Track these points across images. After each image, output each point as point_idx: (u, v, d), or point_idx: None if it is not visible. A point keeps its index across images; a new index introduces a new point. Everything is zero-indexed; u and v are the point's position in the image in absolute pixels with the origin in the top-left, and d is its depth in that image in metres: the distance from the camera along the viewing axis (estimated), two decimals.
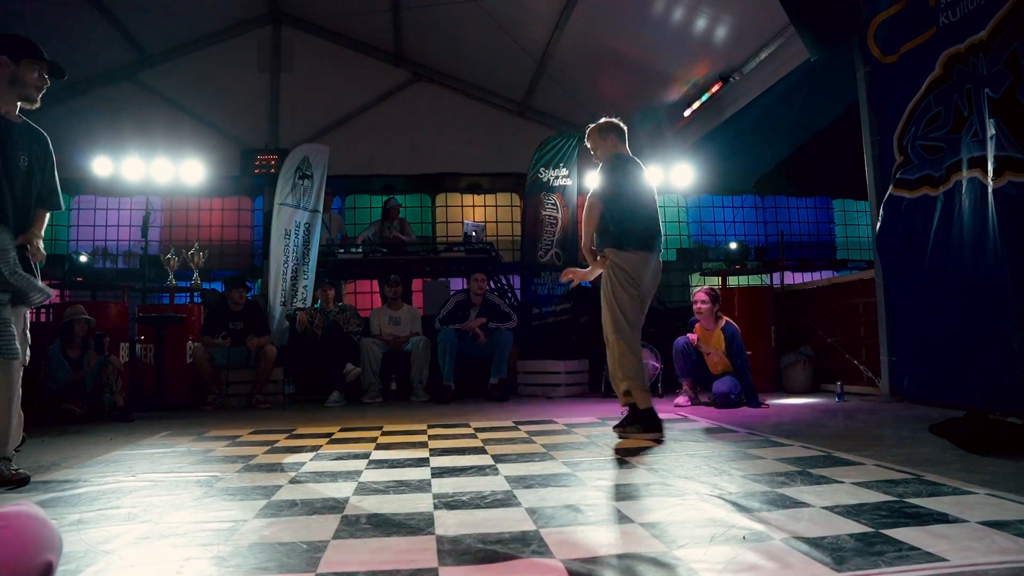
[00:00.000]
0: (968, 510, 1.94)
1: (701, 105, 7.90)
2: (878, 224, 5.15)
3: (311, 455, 3.30)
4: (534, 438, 3.71)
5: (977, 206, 4.13)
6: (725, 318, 5.45)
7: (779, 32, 6.25)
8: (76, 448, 3.51)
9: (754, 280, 8.76)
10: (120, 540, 1.87)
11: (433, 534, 1.86)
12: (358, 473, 2.78)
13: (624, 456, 3.09)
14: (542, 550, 1.70)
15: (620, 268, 3.66)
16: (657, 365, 6.15)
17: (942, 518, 1.88)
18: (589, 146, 4.01)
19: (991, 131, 3.94)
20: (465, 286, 6.93)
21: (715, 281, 7.84)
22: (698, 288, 5.58)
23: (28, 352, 2.98)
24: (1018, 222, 3.84)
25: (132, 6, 7.52)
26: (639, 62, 7.78)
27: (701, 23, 6.72)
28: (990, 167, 3.97)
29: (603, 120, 3.99)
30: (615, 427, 3.74)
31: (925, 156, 4.64)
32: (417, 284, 8.26)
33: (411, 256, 7.81)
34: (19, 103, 2.98)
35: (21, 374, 2.86)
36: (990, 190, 3.99)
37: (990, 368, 4.10)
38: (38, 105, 3.01)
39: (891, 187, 4.98)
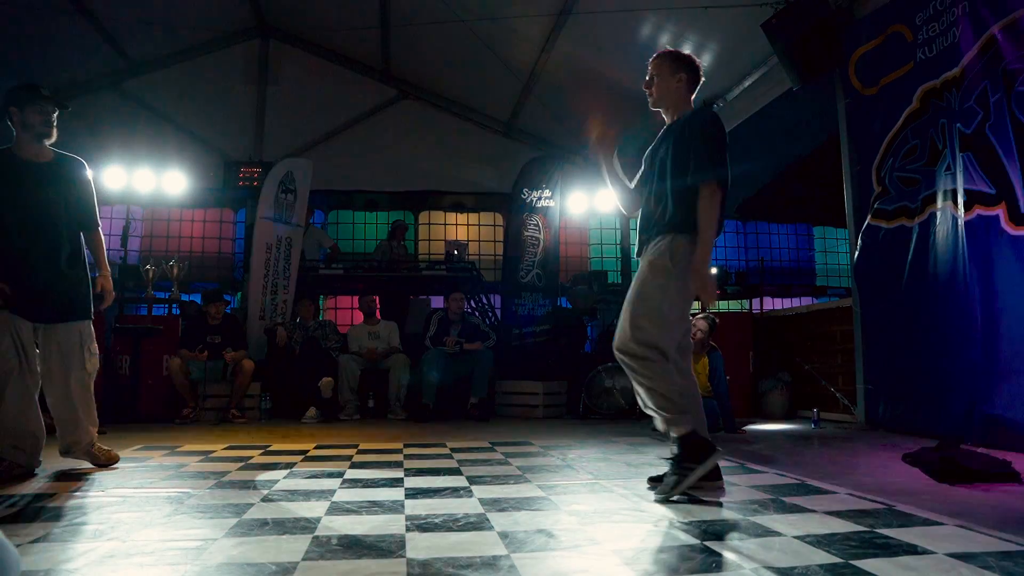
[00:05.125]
0: (936, 542, 1.96)
1: None
2: (856, 253, 5.22)
3: (285, 472, 3.26)
4: (510, 460, 3.70)
5: (949, 237, 4.22)
6: (712, 344, 5.47)
7: (763, 61, 6.36)
8: (43, 460, 3.44)
9: (734, 305, 8.82)
10: (84, 559, 1.83)
11: (404, 557, 1.85)
12: (331, 492, 2.76)
13: (599, 480, 3.08)
14: None
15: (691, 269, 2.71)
16: None
17: (911, 549, 1.89)
18: (651, 71, 2.93)
19: (962, 165, 4.04)
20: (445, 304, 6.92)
21: (695, 306, 7.84)
22: (700, 316, 5.44)
23: None
24: (986, 254, 3.92)
25: (120, 14, 7.49)
26: (625, 86, 7.83)
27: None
28: (960, 200, 4.06)
29: (677, 50, 2.96)
30: (663, 488, 2.61)
31: (902, 187, 4.73)
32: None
33: (394, 273, 7.79)
34: (44, 141, 3.33)
35: None
36: (960, 222, 4.07)
37: (962, 398, 4.16)
38: (54, 138, 3.36)
39: (869, 217, 5.07)
